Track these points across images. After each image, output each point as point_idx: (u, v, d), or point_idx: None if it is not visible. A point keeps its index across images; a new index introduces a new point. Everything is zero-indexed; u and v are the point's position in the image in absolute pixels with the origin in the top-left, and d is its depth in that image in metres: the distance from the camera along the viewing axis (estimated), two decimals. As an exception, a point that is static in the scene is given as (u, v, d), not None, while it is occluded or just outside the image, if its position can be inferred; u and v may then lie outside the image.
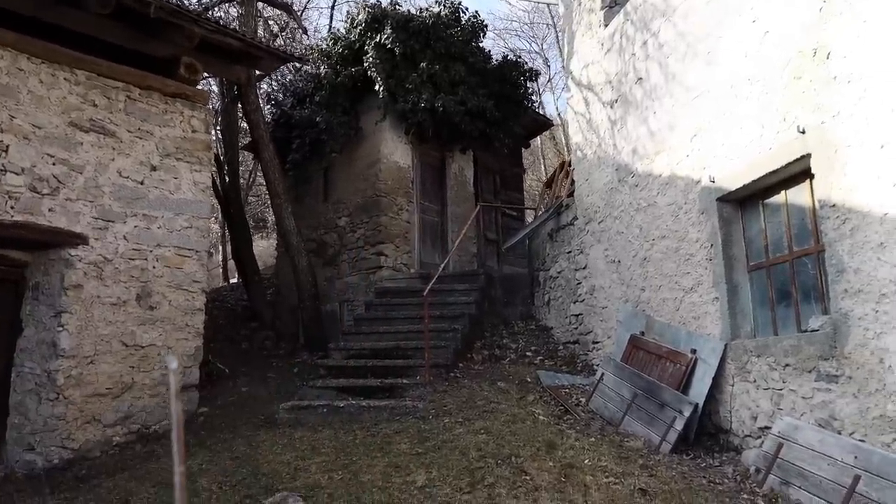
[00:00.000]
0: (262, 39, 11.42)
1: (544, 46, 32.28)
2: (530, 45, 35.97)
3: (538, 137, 18.98)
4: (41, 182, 6.33)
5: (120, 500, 4.79)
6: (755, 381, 5.35)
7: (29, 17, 6.42)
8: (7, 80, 6.20)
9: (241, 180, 15.05)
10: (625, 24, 7.85)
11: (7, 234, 6.08)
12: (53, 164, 6.44)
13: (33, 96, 6.38)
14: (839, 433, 4.39)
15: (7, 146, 6.11)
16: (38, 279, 6.56)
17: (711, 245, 6.07)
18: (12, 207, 6.09)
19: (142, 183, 7.18)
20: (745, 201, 5.92)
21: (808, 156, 4.86)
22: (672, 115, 6.78)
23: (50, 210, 6.37)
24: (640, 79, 7.45)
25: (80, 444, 6.28)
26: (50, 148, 6.43)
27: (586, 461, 4.91)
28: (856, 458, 3.99)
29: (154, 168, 7.31)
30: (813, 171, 4.84)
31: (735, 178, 5.74)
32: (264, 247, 22.09)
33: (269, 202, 21.20)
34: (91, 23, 6.87)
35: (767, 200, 5.69)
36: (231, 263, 18.73)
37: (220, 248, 20.43)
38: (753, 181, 5.54)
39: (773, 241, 5.63)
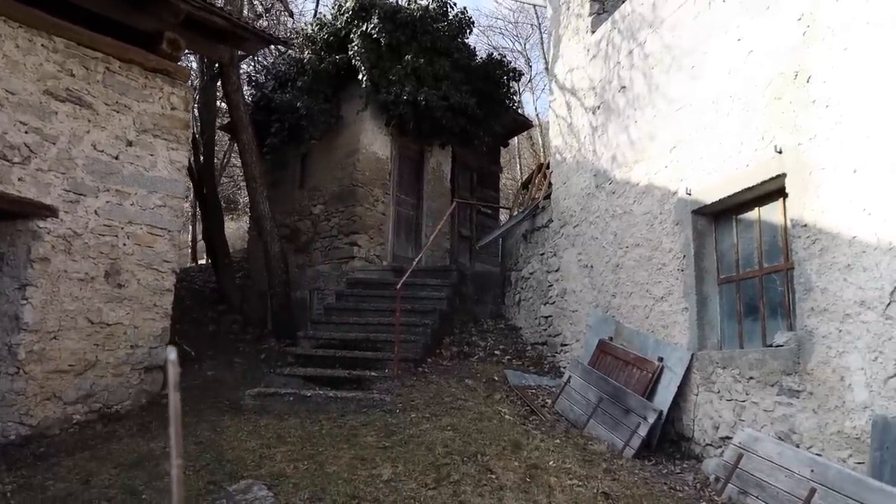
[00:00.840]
0: (247, 19, 11.26)
1: (527, 46, 32.44)
2: (513, 44, 36.11)
3: (516, 137, 19.05)
4: (12, 150, 6.17)
5: (80, 479, 4.71)
6: (719, 391, 5.47)
7: (9, -20, 6.24)
8: (-17, 43, 6.02)
9: (216, 160, 14.82)
10: (612, 32, 7.93)
11: (-26, 201, 5.93)
12: (26, 132, 6.28)
13: (8, 61, 6.21)
14: (798, 446, 4.52)
15: (-21, 112, 5.94)
16: (4, 250, 6.40)
17: (684, 256, 6.18)
18: (-19, 175, 5.93)
19: (116, 158, 7.04)
20: (720, 215, 6.04)
21: (784, 175, 4.98)
22: (653, 126, 6.88)
23: (20, 179, 6.21)
24: (624, 87, 7.53)
25: (38, 420, 6.16)
26: (23, 115, 6.27)
27: (551, 463, 4.98)
28: (812, 471, 4.11)
29: (130, 143, 7.17)
30: (787, 190, 4.97)
31: (711, 191, 5.85)
32: (233, 229, 21.80)
33: (242, 184, 20.95)
34: (74, -10, 6.71)
35: (741, 216, 5.81)
36: (200, 244, 18.49)
37: (191, 228, 20.11)
38: (729, 196, 5.65)
39: (744, 255, 5.76)
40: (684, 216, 6.21)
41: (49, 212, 6.40)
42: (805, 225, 4.73)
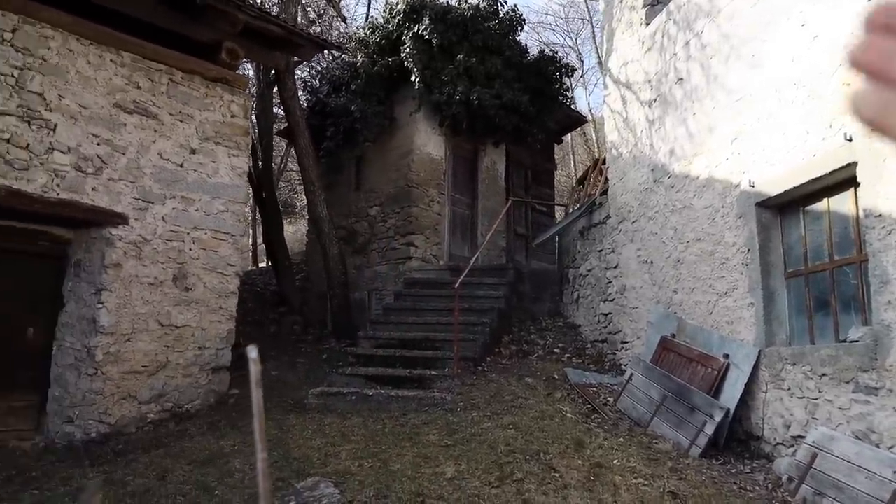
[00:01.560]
0: (301, 26, 11.48)
1: (578, 41, 32.04)
2: (564, 39, 35.70)
3: (569, 134, 18.85)
4: (86, 161, 6.45)
5: (157, 476, 4.90)
6: (789, 389, 5.31)
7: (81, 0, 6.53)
8: (57, 60, 6.32)
9: (273, 165, 15.16)
10: (667, 24, 7.78)
11: (53, 211, 6.22)
12: (98, 143, 6.56)
13: (81, 77, 6.49)
14: (877, 446, 4.35)
15: (55, 125, 6.23)
16: (80, 256, 6.70)
17: (748, 250, 6.01)
18: (58, 185, 6.22)
19: (181, 165, 7.28)
20: (785, 207, 5.86)
21: (855, 164, 4.79)
22: (712, 118, 6.72)
23: (93, 189, 6.49)
24: (681, 79, 7.38)
25: (116, 419, 6.43)
26: (95, 128, 6.55)
27: (615, 461, 4.92)
28: (895, 472, 3.95)
29: (193, 151, 7.41)
30: (858, 179, 4.78)
31: (776, 183, 5.68)
32: (291, 232, 22.25)
33: (299, 188, 21.37)
34: (139, 6, 6.97)
35: (808, 207, 5.62)
36: (260, 248, 18.94)
37: (251, 232, 20.63)
38: (795, 187, 5.47)
39: (812, 248, 5.57)
40: (748, 209, 6.04)
41: (120, 219, 6.67)
42: (879, 215, 4.54)
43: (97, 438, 6.14)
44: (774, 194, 5.72)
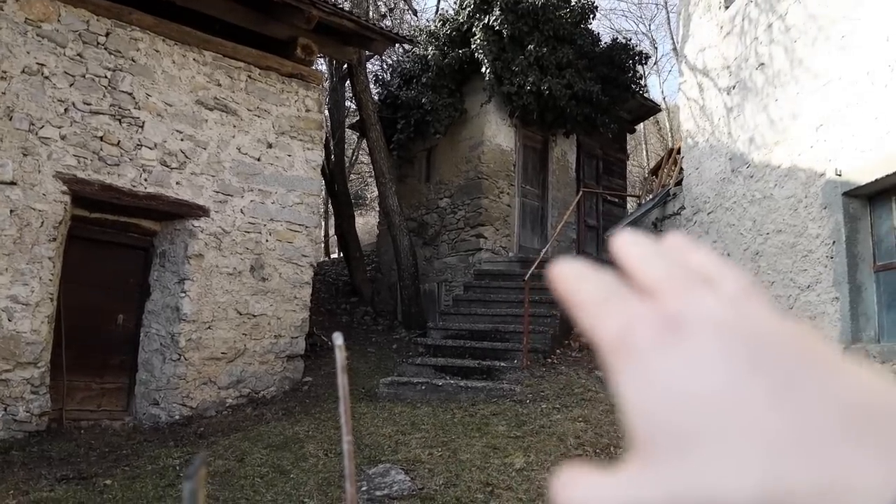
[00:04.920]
0: (373, 20, 11.65)
1: (652, 27, 31.24)
2: (637, 25, 34.88)
3: (642, 123, 18.44)
4: (170, 156, 6.77)
5: (236, 458, 5.12)
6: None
7: (164, 1, 6.83)
8: (145, 60, 6.65)
9: (345, 158, 15.47)
10: (748, 6, 7.50)
11: (141, 204, 6.56)
12: (181, 139, 6.87)
13: (166, 76, 6.81)
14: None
15: (143, 122, 6.57)
16: (165, 247, 7.04)
17: (833, 242, 5.76)
18: (146, 180, 6.55)
19: (258, 159, 7.53)
20: (876, 197, 5.58)
21: (954, 151, 4.52)
22: (796, 103, 6.45)
23: (177, 183, 6.81)
24: (763, 64, 7.10)
25: (197, 402, 6.74)
26: (179, 125, 6.86)
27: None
28: None
29: (270, 145, 7.65)
30: (958, 167, 4.50)
31: (866, 171, 5.41)
32: (361, 224, 22.65)
33: (369, 180, 21.72)
34: (218, 5, 7.24)
35: (902, 197, 5.34)
36: (332, 239, 19.35)
37: (323, 223, 21.11)
38: (887, 175, 5.21)
39: (905, 240, 5.29)
40: (833, 199, 5.78)
41: (202, 212, 6.96)
42: (979, 205, 4.26)
43: (180, 421, 6.46)
44: (864, 183, 5.45)
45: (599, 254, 11.90)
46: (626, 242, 0.29)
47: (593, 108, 10.95)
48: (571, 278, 0.29)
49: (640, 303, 0.26)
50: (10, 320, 5.71)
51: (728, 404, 0.21)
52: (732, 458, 0.20)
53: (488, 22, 10.35)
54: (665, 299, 0.25)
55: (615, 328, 0.25)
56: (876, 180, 5.30)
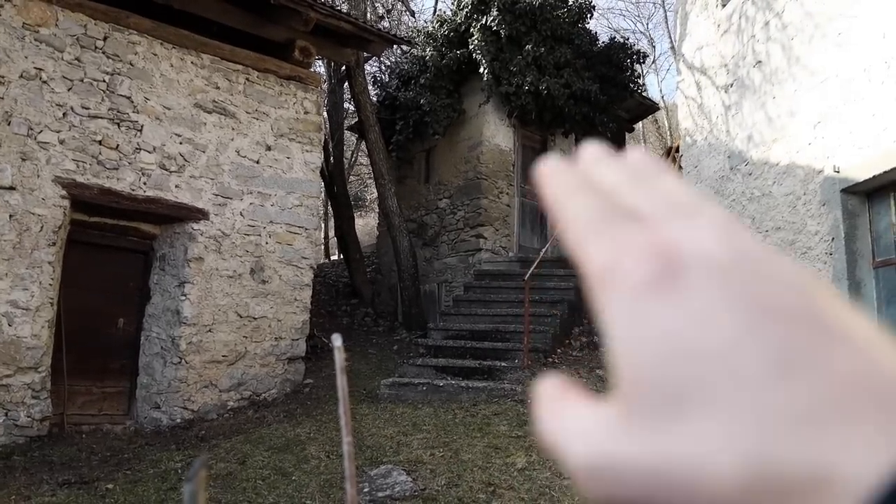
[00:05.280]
0: (371, 22, 11.66)
1: (650, 26, 31.27)
2: (635, 24, 34.90)
3: (641, 122, 18.43)
4: (169, 160, 6.77)
5: (237, 460, 5.12)
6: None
7: (161, 5, 6.83)
8: (143, 64, 6.65)
9: (344, 159, 15.47)
10: (744, 5, 7.49)
11: (140, 207, 6.57)
12: (180, 143, 6.87)
13: (165, 79, 6.81)
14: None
15: (142, 126, 6.57)
16: (165, 251, 7.04)
17: (832, 238, 5.75)
18: (145, 183, 6.55)
19: (257, 162, 7.53)
20: (874, 193, 5.57)
21: (952, 147, 4.52)
22: (794, 101, 6.44)
23: (176, 186, 6.81)
24: (760, 62, 7.10)
25: (198, 406, 6.74)
26: (178, 128, 6.86)
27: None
28: None
29: (269, 148, 7.65)
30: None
31: (864, 168, 5.40)
32: (361, 225, 22.66)
33: (368, 182, 21.72)
34: (215, 8, 7.24)
35: (900, 193, 5.34)
36: (332, 241, 19.35)
37: (323, 225, 21.11)
38: (885, 172, 5.20)
39: (904, 237, 5.29)
40: (832, 196, 5.77)
41: (201, 215, 6.96)
42: (978, 201, 4.27)
43: (182, 424, 6.46)
44: (862, 179, 5.44)
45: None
46: (559, 179, 0.27)
47: (591, 107, 10.96)
48: (560, 185, 0.27)
49: (633, 229, 0.24)
50: (10, 325, 5.71)
51: (725, 367, 0.20)
52: (723, 427, 0.19)
53: (486, 22, 10.36)
54: (657, 228, 0.23)
55: (605, 256, 0.23)
56: (874, 177, 5.30)
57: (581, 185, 0.27)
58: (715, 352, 0.20)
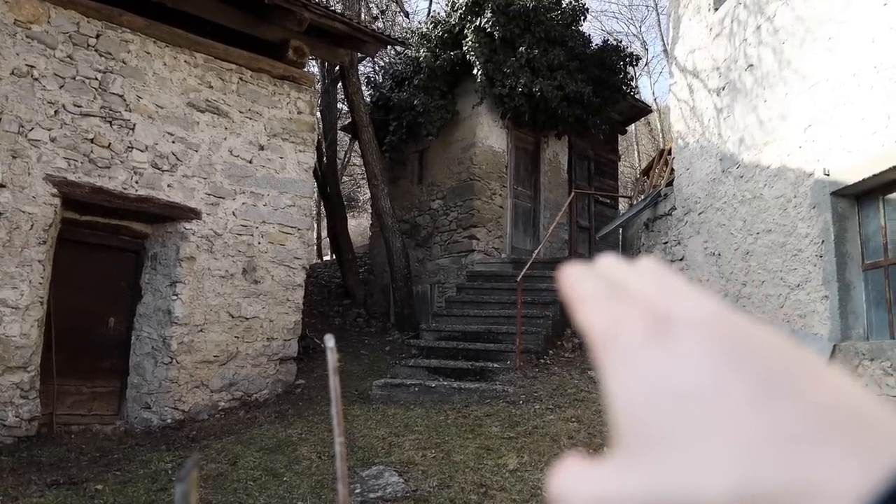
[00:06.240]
0: (365, 23, 11.65)
1: (643, 29, 31.38)
2: (628, 27, 35.04)
3: (633, 124, 18.50)
4: (162, 159, 6.74)
5: (228, 461, 5.10)
6: (867, 385, 5.08)
7: (155, 3, 6.81)
8: (136, 62, 6.62)
9: (337, 160, 15.45)
10: (737, 8, 7.53)
11: (132, 206, 6.54)
12: (173, 142, 6.84)
13: (157, 78, 6.78)
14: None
15: (134, 125, 6.54)
16: (157, 250, 7.01)
17: (822, 241, 5.79)
18: (137, 182, 6.52)
19: (250, 162, 7.51)
20: (863, 196, 5.62)
21: (941, 151, 4.55)
22: (785, 104, 6.48)
23: (168, 185, 6.78)
24: (751, 65, 7.14)
25: (189, 406, 6.71)
26: (170, 127, 6.83)
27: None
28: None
29: (262, 148, 7.63)
30: (945, 167, 4.54)
31: (853, 171, 5.44)
32: (354, 226, 22.62)
33: (361, 182, 21.69)
34: (209, 7, 7.21)
35: (889, 196, 5.37)
36: (324, 241, 19.32)
37: (315, 225, 21.07)
38: (874, 175, 5.24)
39: (893, 239, 5.32)
40: (822, 199, 5.81)
41: (194, 214, 6.94)
42: (967, 205, 4.30)
43: (172, 424, 6.43)
44: (852, 183, 5.48)
45: (592, 254, 11.92)
46: (575, 273, 0.31)
47: (584, 109, 10.98)
48: (576, 278, 0.30)
49: (633, 302, 0.27)
50: (-1, 324, 5.67)
51: (710, 403, 0.22)
52: (712, 456, 0.21)
53: (480, 24, 10.37)
54: (654, 301, 0.26)
55: (606, 322, 0.26)
56: (863, 180, 5.33)
57: (592, 274, 0.30)
58: (701, 390, 0.23)
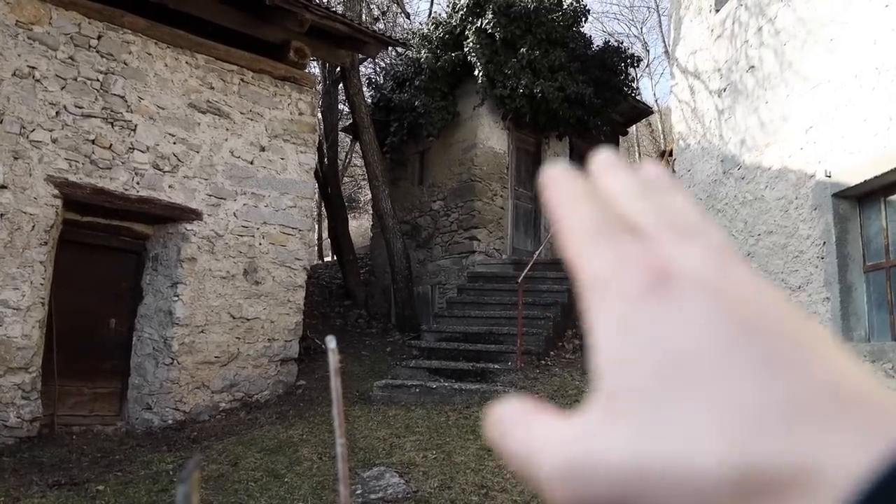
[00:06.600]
0: (366, 24, 11.66)
1: (644, 30, 31.38)
2: (629, 28, 35.04)
3: (635, 125, 18.49)
4: (163, 160, 6.75)
5: (230, 462, 5.10)
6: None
7: (156, 4, 6.81)
8: (137, 63, 6.63)
9: (338, 161, 15.45)
10: (738, 10, 7.53)
11: (133, 207, 6.54)
12: (174, 143, 6.85)
13: (159, 79, 6.79)
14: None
15: (135, 126, 6.55)
16: (158, 251, 7.02)
17: (824, 243, 5.78)
18: (138, 183, 6.53)
19: (251, 163, 7.51)
20: (865, 198, 5.61)
21: (943, 152, 4.55)
22: (786, 106, 6.48)
23: (170, 186, 6.78)
24: (753, 67, 7.13)
25: (190, 407, 6.71)
26: (171, 128, 6.84)
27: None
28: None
29: (263, 149, 7.63)
30: (947, 168, 4.53)
31: (855, 173, 5.44)
32: (355, 226, 22.62)
33: (362, 183, 21.70)
34: (210, 8, 7.22)
35: (891, 197, 5.37)
36: (325, 242, 19.33)
37: (316, 226, 21.08)
38: (876, 177, 5.23)
39: (895, 240, 5.32)
40: (823, 200, 5.80)
41: (195, 215, 6.94)
42: (969, 206, 4.29)
43: (173, 425, 6.43)
44: (853, 184, 5.48)
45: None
46: (565, 185, 0.28)
47: (586, 110, 10.98)
48: (565, 191, 0.27)
49: (630, 243, 0.24)
50: (0, 325, 5.67)
51: (708, 367, 0.21)
52: (706, 423, 0.20)
53: (481, 25, 10.37)
54: (654, 245, 0.24)
55: (601, 266, 0.24)
56: (865, 181, 5.33)
57: (586, 194, 0.27)
58: (700, 354, 0.21)
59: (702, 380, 0.20)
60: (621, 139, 15.03)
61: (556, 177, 0.28)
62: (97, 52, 6.41)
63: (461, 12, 10.87)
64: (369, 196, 14.23)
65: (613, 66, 11.49)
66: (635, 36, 27.10)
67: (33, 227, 5.92)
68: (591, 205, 0.26)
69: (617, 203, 0.27)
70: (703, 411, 0.20)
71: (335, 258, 14.41)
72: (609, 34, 23.18)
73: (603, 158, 0.30)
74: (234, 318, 7.17)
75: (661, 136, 23.62)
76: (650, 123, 24.89)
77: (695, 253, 0.24)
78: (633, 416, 0.21)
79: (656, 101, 24.81)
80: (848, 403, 0.20)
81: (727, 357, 0.21)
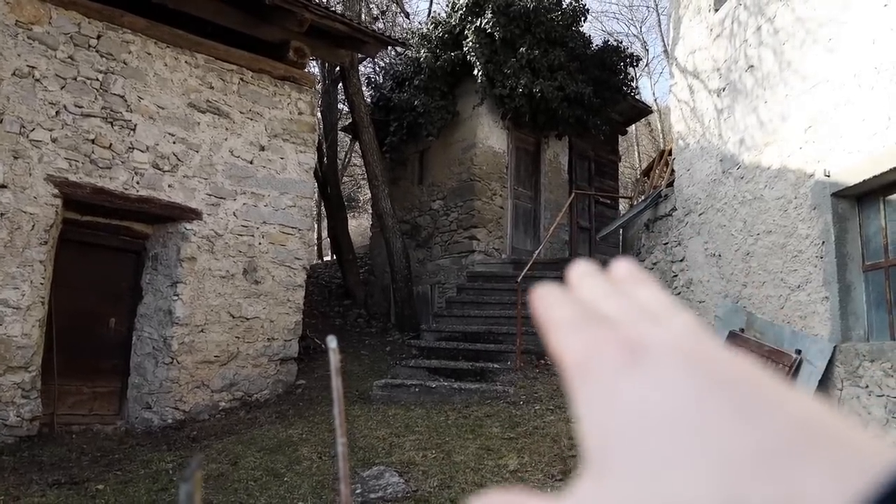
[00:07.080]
0: (366, 23, 11.66)
1: (643, 30, 31.38)
2: (628, 27, 35.06)
3: (634, 124, 18.50)
4: (163, 159, 6.75)
5: (229, 461, 5.10)
6: (867, 386, 5.10)
7: (156, 4, 6.82)
8: (137, 63, 6.63)
9: (337, 160, 15.45)
10: (737, 9, 7.53)
11: (133, 207, 6.55)
12: (174, 142, 6.85)
13: (158, 78, 6.79)
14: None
15: (135, 125, 6.55)
16: (157, 250, 7.02)
17: (823, 242, 5.79)
18: (138, 182, 6.53)
19: (251, 162, 7.52)
20: (864, 197, 5.61)
21: (941, 152, 4.55)
22: (785, 105, 6.48)
23: (169, 186, 6.79)
24: (752, 66, 7.14)
25: (190, 406, 6.72)
26: (171, 127, 6.84)
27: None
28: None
29: (262, 148, 7.64)
30: (945, 168, 4.54)
31: (853, 172, 5.44)
32: (354, 226, 22.63)
33: (361, 183, 21.71)
34: (210, 8, 7.22)
35: (890, 197, 5.38)
36: (325, 241, 19.34)
37: (316, 226, 21.08)
38: (875, 177, 5.24)
39: (894, 240, 5.32)
40: (822, 200, 5.81)
41: (194, 214, 6.95)
42: (967, 206, 4.30)
43: (173, 424, 6.44)
44: (852, 184, 5.48)
45: (592, 255, 11.93)
46: (548, 296, 0.30)
47: (585, 110, 10.99)
48: (548, 301, 0.30)
49: (606, 329, 0.26)
50: (0, 324, 5.68)
51: (687, 422, 0.22)
52: (691, 472, 0.21)
53: (480, 24, 10.38)
54: (627, 327, 0.26)
55: (580, 348, 0.26)
56: (864, 181, 5.33)
57: (567, 300, 0.30)
58: (678, 412, 0.22)
59: (683, 437, 0.22)
60: (620, 138, 15.04)
61: (542, 294, 0.31)
62: (97, 51, 6.42)
63: (460, 12, 10.87)
64: (369, 195, 14.24)
65: (613, 65, 11.50)
66: (634, 35, 27.14)
67: (33, 226, 5.92)
68: (569, 305, 0.29)
69: (592, 302, 0.29)
70: (689, 465, 0.21)
71: (335, 258, 14.42)
72: (608, 33, 23.19)
73: (579, 270, 0.33)
74: (233, 317, 7.18)
75: (661, 136, 23.63)
76: (649, 123, 24.90)
77: (665, 329, 0.26)
78: (621, 477, 0.22)
79: (655, 100, 24.84)
80: (822, 441, 0.21)
81: (704, 412, 0.22)
